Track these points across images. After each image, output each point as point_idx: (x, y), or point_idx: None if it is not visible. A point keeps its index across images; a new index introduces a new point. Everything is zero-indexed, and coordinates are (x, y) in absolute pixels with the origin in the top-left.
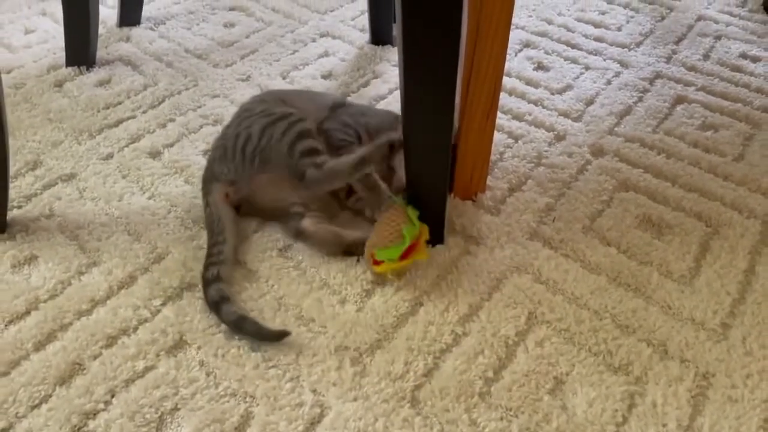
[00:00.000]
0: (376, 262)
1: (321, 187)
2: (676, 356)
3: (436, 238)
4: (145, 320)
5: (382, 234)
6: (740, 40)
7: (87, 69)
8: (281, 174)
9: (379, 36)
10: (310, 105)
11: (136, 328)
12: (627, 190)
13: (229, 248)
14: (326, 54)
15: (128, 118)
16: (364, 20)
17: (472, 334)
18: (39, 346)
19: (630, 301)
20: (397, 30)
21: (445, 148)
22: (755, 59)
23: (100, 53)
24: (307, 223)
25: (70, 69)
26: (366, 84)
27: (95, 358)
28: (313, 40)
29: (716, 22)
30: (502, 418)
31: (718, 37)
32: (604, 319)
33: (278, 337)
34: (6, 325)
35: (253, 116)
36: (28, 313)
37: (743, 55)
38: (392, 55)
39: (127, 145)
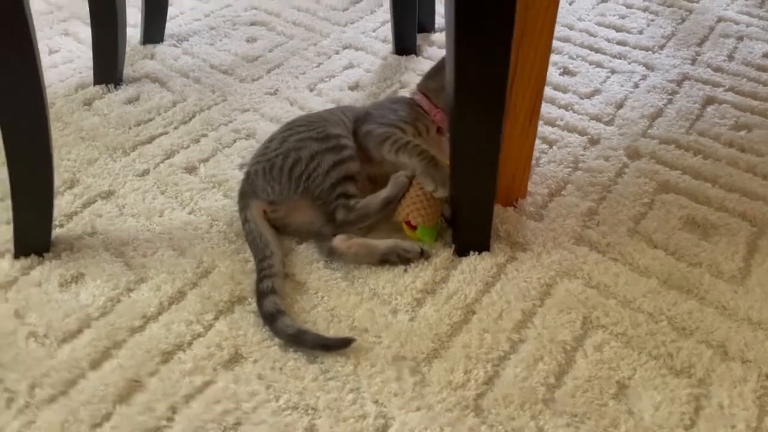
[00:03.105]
0: (412, 226)
1: (350, 227)
2: (737, 357)
3: (482, 245)
4: (199, 335)
5: (426, 207)
6: (762, 40)
7: (115, 87)
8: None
9: (402, 46)
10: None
11: (190, 343)
12: (668, 191)
13: (277, 261)
14: (351, 65)
15: (161, 135)
16: (386, 31)
17: (529, 340)
18: (95, 365)
19: (684, 303)
20: (447, 37)
21: (494, 154)
22: None
23: (127, 71)
24: (338, 242)
25: (98, 87)
26: (394, 94)
27: (153, 374)
28: (337, 53)
29: (737, 23)
30: (568, 425)
31: (740, 38)
32: (660, 322)
33: (344, 344)
34: (59, 344)
35: (304, 137)
36: (80, 331)
37: (767, 55)
38: (417, 64)
39: (162, 161)
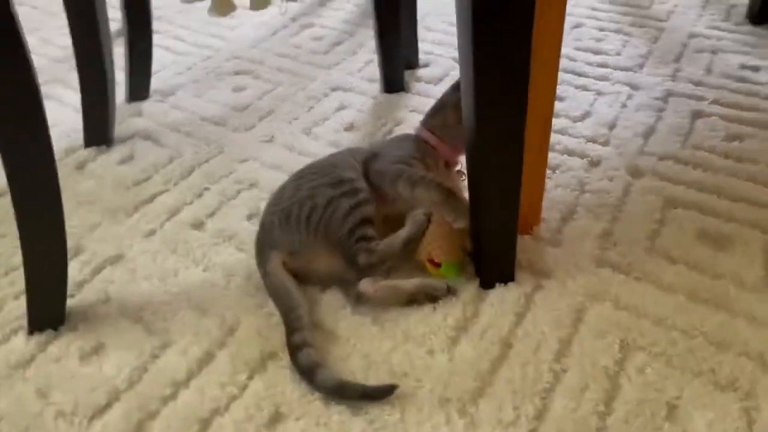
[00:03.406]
0: (434, 264)
1: (373, 270)
2: None
3: (507, 275)
4: (235, 397)
5: (447, 244)
6: (736, 51)
7: (107, 148)
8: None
9: (391, 84)
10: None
11: (227, 407)
12: (675, 207)
13: (305, 312)
14: (342, 107)
15: (161, 192)
16: (371, 71)
17: (571, 369)
18: None
19: (714, 317)
20: (463, 69)
21: (515, 182)
22: (755, 68)
23: (116, 130)
24: (365, 286)
25: (89, 150)
26: (390, 132)
27: None
28: (326, 95)
29: (708, 37)
30: None
31: (714, 52)
32: (695, 338)
33: (387, 392)
34: (89, 421)
35: (318, 184)
36: (109, 405)
37: (743, 66)
38: (408, 101)
39: (167, 220)
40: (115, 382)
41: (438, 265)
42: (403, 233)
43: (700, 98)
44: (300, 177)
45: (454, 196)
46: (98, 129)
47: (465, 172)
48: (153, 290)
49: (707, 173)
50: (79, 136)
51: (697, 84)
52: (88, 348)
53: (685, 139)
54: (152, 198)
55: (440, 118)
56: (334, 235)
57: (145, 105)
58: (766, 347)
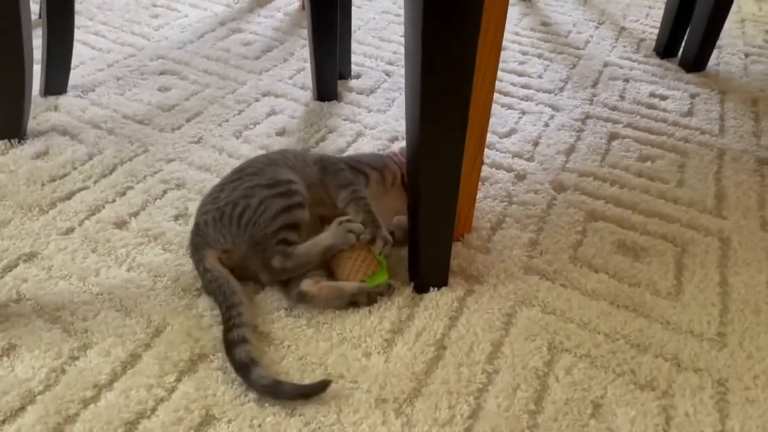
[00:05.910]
0: None
1: (286, 275)
2: (690, 367)
3: (441, 280)
4: (162, 399)
5: (357, 265)
6: (645, 81)
7: (19, 142)
8: None
9: (324, 92)
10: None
11: (154, 409)
12: (596, 219)
13: (246, 310)
14: (274, 112)
15: (80, 189)
16: (302, 78)
17: (503, 370)
18: None
19: (634, 321)
20: (410, 71)
21: (455, 189)
22: (663, 97)
23: (30, 124)
24: (308, 285)
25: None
26: (323, 139)
27: None
28: (257, 100)
29: (621, 67)
30: None
31: (626, 80)
32: (617, 341)
33: (322, 388)
34: (0, 425)
35: (254, 184)
36: (23, 408)
37: (652, 95)
38: (340, 110)
39: (87, 218)
40: (29, 385)
41: None
42: (323, 241)
43: (616, 121)
44: (239, 178)
45: (377, 223)
46: (11, 121)
47: None
48: (72, 290)
49: (623, 190)
50: None
51: (612, 108)
52: None
53: (603, 158)
54: (70, 195)
55: None
56: (258, 234)
57: (62, 99)
58: (680, 350)
